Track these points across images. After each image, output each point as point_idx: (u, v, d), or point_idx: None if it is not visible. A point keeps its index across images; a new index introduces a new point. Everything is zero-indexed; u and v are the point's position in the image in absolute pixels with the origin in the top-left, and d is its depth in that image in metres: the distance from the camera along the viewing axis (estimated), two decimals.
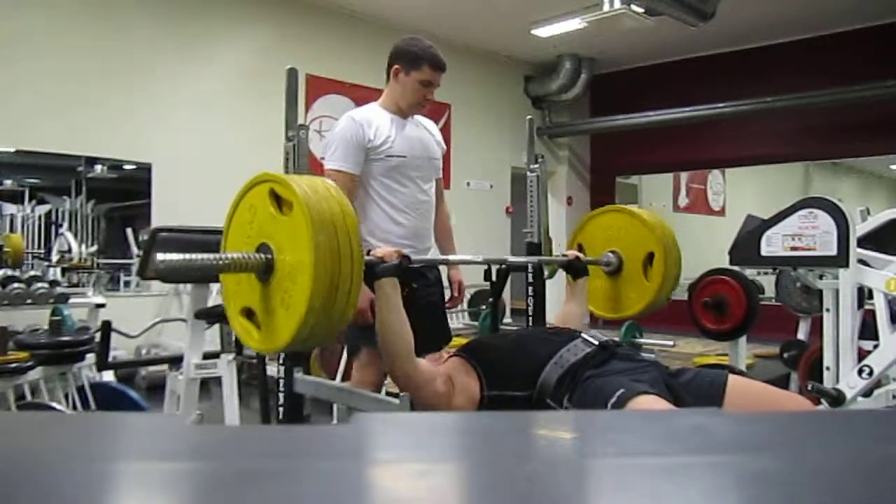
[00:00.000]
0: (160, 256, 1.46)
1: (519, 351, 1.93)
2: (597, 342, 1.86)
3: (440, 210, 2.53)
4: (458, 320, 5.44)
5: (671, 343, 4.43)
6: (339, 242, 1.45)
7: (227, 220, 1.70)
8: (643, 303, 2.35)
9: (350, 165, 2.20)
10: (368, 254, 1.85)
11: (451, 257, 2.07)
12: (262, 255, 1.53)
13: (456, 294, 2.51)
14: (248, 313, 1.63)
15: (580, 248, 2.51)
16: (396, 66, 2.31)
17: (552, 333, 2.02)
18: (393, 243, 2.21)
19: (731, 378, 1.78)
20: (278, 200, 1.56)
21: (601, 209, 2.67)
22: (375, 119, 2.27)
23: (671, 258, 2.38)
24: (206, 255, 1.51)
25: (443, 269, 2.55)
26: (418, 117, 2.44)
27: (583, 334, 1.91)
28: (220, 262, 1.52)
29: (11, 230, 4.63)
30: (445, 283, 2.54)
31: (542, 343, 1.90)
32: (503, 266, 2.75)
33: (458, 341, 2.72)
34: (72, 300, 3.60)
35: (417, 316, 2.11)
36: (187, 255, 1.48)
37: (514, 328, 3.70)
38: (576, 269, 2.31)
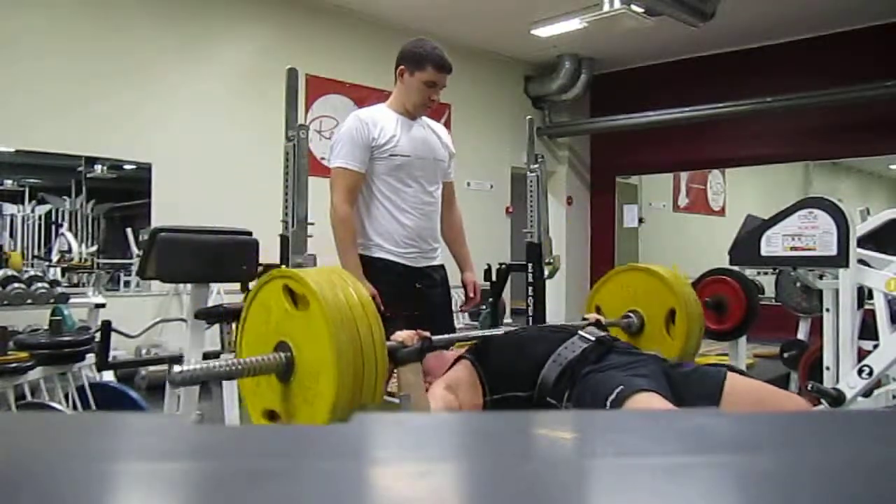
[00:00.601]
0: (177, 368, 1.40)
1: (519, 352, 1.94)
2: (594, 338, 1.87)
3: (452, 213, 2.53)
4: (458, 320, 5.43)
5: None
6: (360, 334, 1.40)
7: (241, 322, 1.66)
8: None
9: (355, 163, 2.22)
10: (388, 339, 1.83)
11: (464, 335, 2.07)
12: (282, 355, 1.47)
13: (472, 295, 2.51)
14: (271, 415, 1.56)
15: (598, 311, 2.46)
16: (402, 67, 2.33)
17: (551, 331, 2.03)
18: (396, 242, 2.22)
19: (730, 375, 1.78)
20: (293, 296, 1.51)
21: (616, 269, 2.62)
22: (381, 118, 2.29)
23: (693, 313, 2.34)
24: (223, 363, 1.46)
25: (452, 272, 2.54)
26: (427, 120, 2.46)
27: (580, 331, 1.92)
28: (239, 368, 1.45)
29: (11, 230, 4.63)
30: (453, 282, 2.54)
31: (541, 342, 1.91)
32: (503, 266, 2.76)
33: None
34: (72, 300, 3.60)
35: (423, 315, 2.12)
36: (205, 364, 1.45)
37: (515, 328, 3.70)
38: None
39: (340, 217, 2.20)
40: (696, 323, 2.36)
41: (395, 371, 1.80)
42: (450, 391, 1.86)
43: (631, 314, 2.43)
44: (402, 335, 1.83)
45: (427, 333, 1.84)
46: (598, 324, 2.23)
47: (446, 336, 1.94)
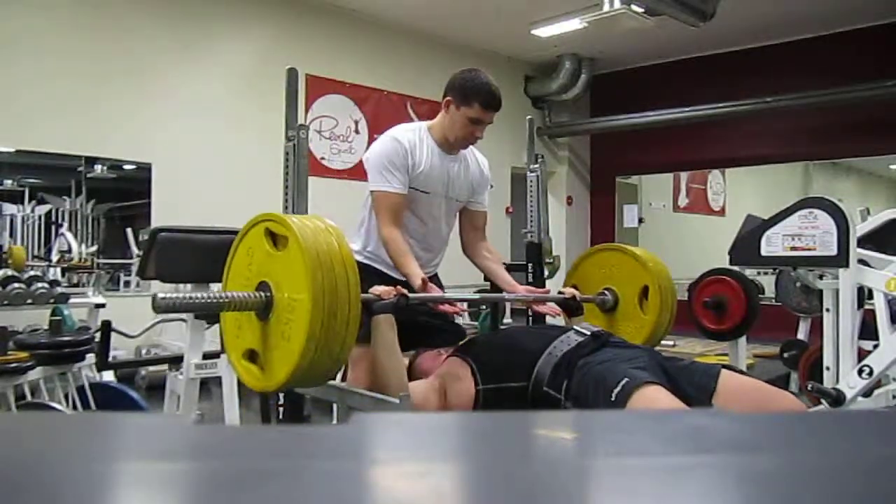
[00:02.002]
0: (161, 295, 1.47)
1: (512, 345, 1.96)
2: (588, 332, 1.89)
3: (482, 240, 2.41)
4: (458, 320, 5.43)
5: (671, 343, 4.43)
6: (335, 273, 1.47)
7: (225, 268, 1.71)
8: (642, 336, 2.35)
9: (394, 185, 2.12)
10: (367, 291, 1.83)
11: (446, 296, 2.04)
12: (262, 294, 1.55)
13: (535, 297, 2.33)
14: (251, 355, 1.63)
15: (576, 289, 2.48)
16: (448, 98, 2.19)
17: (546, 328, 2.04)
18: (390, 266, 2.18)
19: (725, 372, 1.79)
20: (274, 238, 1.58)
21: (593, 248, 2.68)
22: (419, 147, 2.19)
23: (665, 290, 2.39)
24: (208, 294, 1.53)
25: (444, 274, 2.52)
26: (470, 152, 2.33)
27: (575, 326, 1.95)
28: (220, 301, 1.52)
29: (11, 230, 4.63)
30: (447, 282, 2.51)
31: (536, 337, 1.93)
32: (503, 266, 2.75)
33: None
34: (72, 300, 3.60)
35: (427, 327, 2.11)
36: (189, 294, 1.50)
37: (514, 327, 3.70)
38: (572, 308, 2.30)
39: (385, 239, 2.12)
40: (668, 299, 2.40)
41: (371, 326, 1.82)
42: (438, 381, 1.89)
43: (606, 291, 2.49)
44: (379, 289, 1.86)
45: (405, 290, 1.86)
46: (573, 299, 2.26)
47: (423, 294, 1.93)
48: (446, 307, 1.97)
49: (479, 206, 2.37)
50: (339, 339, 1.47)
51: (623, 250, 2.54)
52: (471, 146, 2.30)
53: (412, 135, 2.20)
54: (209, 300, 1.53)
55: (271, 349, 1.56)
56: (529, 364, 1.84)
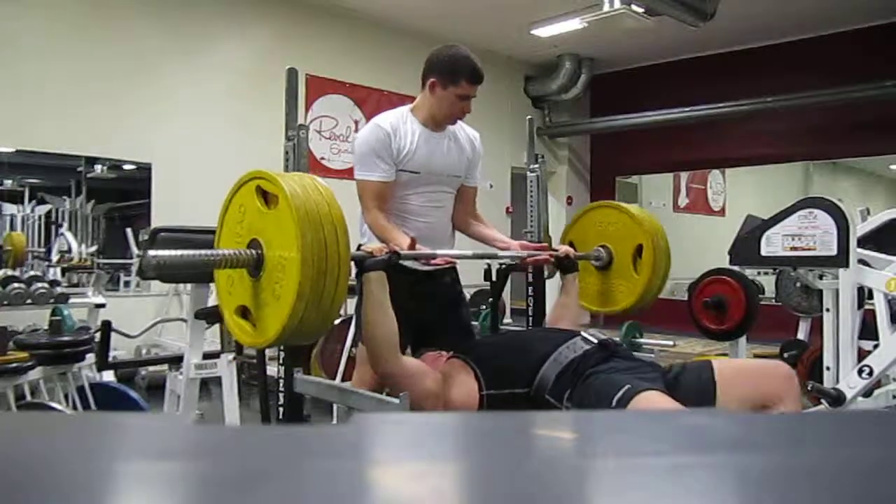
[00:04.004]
0: (152, 252, 1.49)
1: (517, 348, 1.94)
2: (596, 340, 1.87)
3: (473, 215, 2.42)
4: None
5: (671, 343, 4.43)
6: (325, 231, 1.49)
7: (218, 223, 1.73)
8: (634, 296, 2.37)
9: (378, 173, 2.13)
10: (359, 248, 1.85)
11: (437, 251, 2.05)
12: (253, 251, 1.57)
13: (533, 252, 2.30)
14: (243, 312, 1.66)
15: (571, 246, 2.52)
16: (433, 80, 2.18)
17: (551, 332, 2.03)
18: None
19: (717, 367, 1.79)
20: (265, 196, 1.60)
21: (590, 205, 2.73)
22: (403, 130, 2.19)
23: (660, 250, 2.42)
24: (197, 252, 1.54)
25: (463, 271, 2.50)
26: (459, 127, 2.34)
27: (582, 332, 1.93)
28: (212, 258, 1.55)
29: (11, 230, 4.63)
30: (465, 281, 2.49)
31: (541, 341, 1.91)
32: (503, 266, 2.75)
33: None
34: (72, 300, 3.61)
35: (433, 318, 2.10)
36: (179, 252, 1.51)
37: (515, 328, 3.70)
38: (566, 265, 2.31)
39: (369, 223, 2.13)
40: (662, 259, 2.43)
41: (362, 283, 1.83)
42: (439, 378, 1.87)
43: (601, 248, 2.53)
44: (371, 246, 1.88)
45: (395, 248, 1.87)
46: (567, 257, 2.27)
47: (414, 251, 1.93)
48: (438, 260, 2.00)
49: (471, 182, 2.39)
50: (329, 296, 1.49)
51: (619, 208, 2.58)
52: (459, 122, 2.32)
53: (394, 118, 2.21)
54: (200, 258, 1.54)
55: (262, 307, 1.58)
56: (533, 369, 1.82)
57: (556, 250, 2.34)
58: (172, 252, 1.51)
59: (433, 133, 2.25)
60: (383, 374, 1.84)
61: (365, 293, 1.82)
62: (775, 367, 1.85)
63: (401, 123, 2.21)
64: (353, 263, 1.70)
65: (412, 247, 1.93)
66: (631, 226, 2.49)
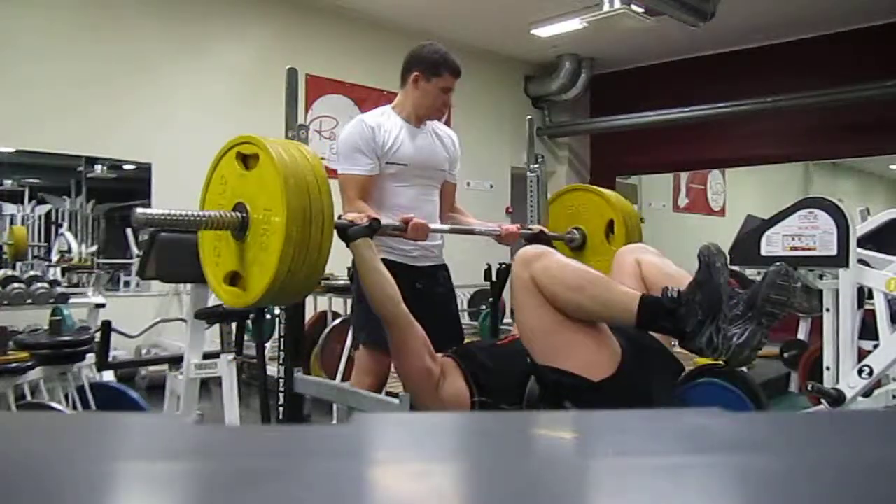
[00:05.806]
0: (139, 210, 1.51)
1: (504, 365, 1.96)
2: None
3: (455, 210, 2.53)
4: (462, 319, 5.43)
5: (671, 343, 4.42)
6: (307, 180, 1.52)
7: (201, 197, 1.76)
8: (610, 268, 2.42)
9: (360, 167, 2.20)
10: (339, 218, 1.88)
11: (433, 225, 2.14)
12: (238, 213, 1.60)
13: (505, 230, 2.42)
14: (231, 279, 1.68)
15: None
16: (416, 74, 2.30)
17: None
18: (395, 239, 2.21)
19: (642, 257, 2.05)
20: (245, 160, 1.63)
21: (560, 190, 2.84)
22: (386, 125, 2.28)
23: (631, 223, 2.53)
24: (185, 211, 1.56)
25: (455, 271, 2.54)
26: (436, 125, 2.44)
27: None
28: (199, 218, 1.57)
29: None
30: (457, 282, 2.53)
31: (524, 356, 1.90)
32: (503, 266, 2.75)
33: None
34: (72, 300, 3.60)
35: (425, 315, 2.11)
36: (167, 210, 1.53)
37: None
38: (541, 243, 2.34)
39: (351, 211, 2.18)
40: (633, 232, 2.53)
41: (352, 252, 1.89)
42: (439, 364, 1.91)
43: (574, 230, 2.63)
44: (350, 215, 1.94)
45: (376, 215, 1.95)
46: (542, 233, 2.33)
47: (393, 222, 2.01)
48: (427, 243, 2.16)
49: (452, 179, 2.51)
50: (315, 244, 1.52)
51: (587, 189, 2.73)
52: (434, 122, 2.43)
53: (377, 115, 2.33)
54: (187, 217, 1.57)
55: (250, 265, 1.60)
56: (520, 385, 1.87)
57: (531, 229, 2.46)
58: (160, 210, 1.56)
59: (415, 128, 2.34)
60: (393, 323, 1.88)
61: (358, 261, 1.91)
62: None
63: (384, 119, 2.31)
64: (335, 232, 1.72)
65: (407, 222, 2.01)
66: (600, 203, 2.60)
